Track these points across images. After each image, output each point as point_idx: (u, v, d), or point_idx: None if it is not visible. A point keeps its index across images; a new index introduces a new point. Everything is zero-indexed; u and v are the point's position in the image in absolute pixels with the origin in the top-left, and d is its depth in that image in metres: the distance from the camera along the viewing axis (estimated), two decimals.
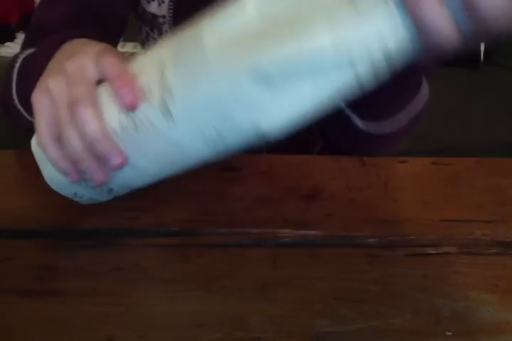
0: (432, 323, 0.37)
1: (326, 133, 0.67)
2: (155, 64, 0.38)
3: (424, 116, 0.61)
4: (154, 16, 0.69)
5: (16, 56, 0.58)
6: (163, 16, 0.68)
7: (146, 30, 0.73)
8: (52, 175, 0.45)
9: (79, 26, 0.65)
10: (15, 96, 0.56)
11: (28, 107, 0.54)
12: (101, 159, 0.40)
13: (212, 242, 0.46)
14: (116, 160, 0.39)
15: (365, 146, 0.62)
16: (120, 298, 0.39)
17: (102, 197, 0.46)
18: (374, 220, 0.49)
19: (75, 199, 0.47)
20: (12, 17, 2.03)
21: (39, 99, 0.42)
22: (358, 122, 0.57)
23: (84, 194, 0.46)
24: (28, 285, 0.40)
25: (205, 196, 0.51)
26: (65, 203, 0.51)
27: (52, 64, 0.45)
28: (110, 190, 0.45)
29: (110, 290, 0.40)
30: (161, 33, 0.71)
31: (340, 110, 0.56)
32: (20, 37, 2.01)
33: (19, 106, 0.56)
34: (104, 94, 0.40)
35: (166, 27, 0.69)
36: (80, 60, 0.41)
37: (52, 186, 0.46)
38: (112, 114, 0.39)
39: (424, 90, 0.57)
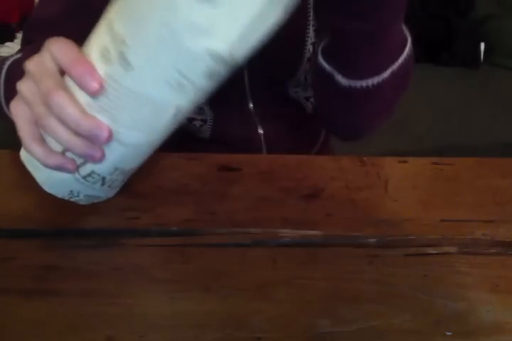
0: (432, 323, 0.37)
1: (316, 105, 0.66)
2: (104, 26, 0.39)
3: (411, 72, 0.58)
4: None
5: (5, 60, 0.59)
6: None
7: None
8: (45, 177, 0.45)
9: (76, 21, 0.65)
10: (2, 99, 0.58)
11: None
12: (89, 138, 0.40)
13: (212, 242, 0.46)
14: (103, 134, 0.39)
15: (352, 109, 0.59)
16: (120, 298, 0.39)
17: (98, 191, 0.46)
18: (374, 220, 0.49)
19: (72, 199, 0.47)
20: (12, 17, 2.02)
21: (16, 107, 0.43)
22: (341, 79, 0.55)
23: (79, 190, 0.46)
24: (28, 285, 0.40)
25: (205, 196, 0.51)
26: (65, 203, 0.51)
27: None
28: (103, 180, 0.45)
29: (110, 290, 0.40)
30: None
31: (323, 69, 0.54)
32: (20, 37, 2.01)
33: (6, 110, 0.58)
34: (70, 81, 0.40)
35: None
36: (39, 56, 0.42)
37: (47, 189, 0.46)
38: (83, 95, 0.39)
39: (408, 45, 0.55)
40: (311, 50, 0.71)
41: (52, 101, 0.39)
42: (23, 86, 0.42)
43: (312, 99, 0.77)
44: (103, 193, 0.47)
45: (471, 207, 0.51)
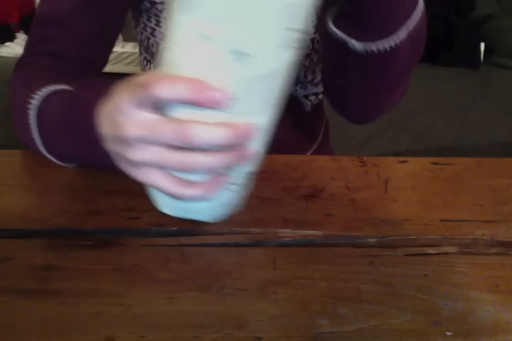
0: (432, 323, 0.37)
1: (325, 80, 0.65)
2: (191, 38, 0.37)
3: (425, 36, 0.56)
4: (153, 3, 0.69)
5: (28, 97, 0.54)
6: (162, 2, 0.69)
7: (143, 22, 0.73)
8: (211, 209, 0.46)
9: (91, 16, 0.65)
10: (38, 140, 0.54)
11: (55, 152, 0.54)
12: (239, 144, 0.39)
13: (212, 242, 0.46)
14: (250, 132, 0.39)
15: (369, 80, 0.58)
16: (120, 298, 0.39)
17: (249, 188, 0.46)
18: (374, 220, 0.49)
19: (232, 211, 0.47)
20: (12, 17, 2.02)
21: (144, 174, 0.41)
22: (356, 45, 0.53)
23: (240, 198, 0.46)
24: (28, 285, 0.40)
25: None
26: (65, 203, 0.51)
27: (109, 143, 0.43)
28: (253, 174, 0.45)
29: (110, 290, 0.40)
30: (159, 22, 0.71)
31: (336, 38, 0.54)
32: (20, 37, 2.01)
33: (42, 150, 0.55)
34: (184, 109, 0.39)
35: (165, 13, 0.69)
36: (128, 117, 0.39)
37: (216, 218, 0.47)
38: (208, 112, 0.38)
39: (420, 5, 0.54)
40: (310, 46, 0.71)
41: (188, 138, 0.37)
42: (137, 154, 0.40)
43: (311, 97, 0.77)
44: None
45: (471, 207, 0.51)
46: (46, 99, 0.53)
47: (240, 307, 0.38)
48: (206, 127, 0.38)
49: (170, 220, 0.48)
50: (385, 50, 0.53)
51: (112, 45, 0.71)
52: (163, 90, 0.37)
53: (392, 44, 0.53)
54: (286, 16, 0.37)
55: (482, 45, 1.87)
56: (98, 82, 0.50)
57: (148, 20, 0.72)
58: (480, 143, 1.73)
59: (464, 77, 1.82)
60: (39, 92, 0.54)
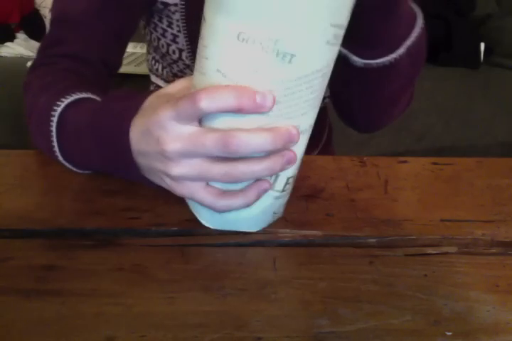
0: (432, 323, 0.37)
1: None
2: (230, 40, 0.36)
3: (425, 51, 0.58)
4: (166, 5, 0.69)
5: (58, 101, 0.53)
6: (175, 4, 0.68)
7: (153, 22, 0.73)
8: (254, 219, 0.45)
9: (109, 16, 0.65)
10: (58, 152, 0.54)
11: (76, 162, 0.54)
12: (284, 148, 0.39)
13: (212, 242, 0.46)
14: (295, 136, 0.38)
15: (370, 92, 0.59)
16: (120, 298, 0.39)
17: (289, 193, 0.46)
18: (374, 220, 0.49)
19: (275, 218, 0.47)
20: (12, 17, 2.02)
21: (183, 189, 0.41)
22: (356, 60, 0.54)
23: (279, 205, 0.45)
24: (28, 285, 0.40)
25: None
26: (65, 203, 0.51)
27: (145, 159, 0.43)
28: (294, 178, 0.44)
29: (110, 290, 0.40)
30: (170, 23, 0.71)
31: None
32: (20, 37, 2.01)
33: (62, 160, 0.54)
34: (228, 118, 0.38)
35: (177, 15, 0.69)
36: (170, 134, 0.39)
37: (256, 228, 0.46)
38: (251, 117, 0.38)
39: (420, 21, 0.55)
40: None
41: (232, 147, 0.37)
42: (179, 169, 0.40)
43: None
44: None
45: (471, 207, 0.51)
46: (70, 106, 0.53)
47: (240, 307, 0.38)
48: (250, 134, 0.37)
49: (170, 220, 0.48)
50: (384, 65, 0.54)
51: (126, 47, 0.71)
52: (210, 104, 0.37)
53: (392, 59, 0.54)
54: (330, 12, 0.36)
55: (482, 45, 1.87)
56: (126, 93, 0.49)
57: (160, 21, 0.72)
58: (480, 144, 1.73)
59: (464, 77, 1.82)
60: (64, 99, 0.53)
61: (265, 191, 0.41)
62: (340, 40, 0.39)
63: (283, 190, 0.44)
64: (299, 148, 0.41)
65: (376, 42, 0.53)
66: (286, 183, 0.43)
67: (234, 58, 0.37)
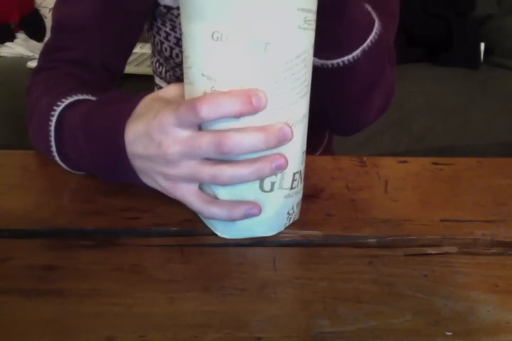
0: (432, 323, 0.37)
1: None
2: (201, 35, 0.37)
3: (385, 54, 0.60)
4: (169, 9, 0.69)
5: (58, 101, 0.54)
6: (178, 8, 0.69)
7: (157, 26, 0.73)
8: (265, 223, 0.45)
9: (111, 23, 0.65)
10: (56, 153, 0.54)
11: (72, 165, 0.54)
12: (279, 145, 0.40)
13: (212, 242, 0.46)
14: (288, 132, 0.39)
15: (334, 91, 0.60)
16: (120, 298, 0.39)
17: (301, 190, 0.46)
18: (374, 220, 0.49)
19: (291, 219, 0.46)
20: (12, 17, 2.02)
21: (176, 188, 0.43)
22: (314, 60, 0.56)
23: (293, 204, 0.45)
24: (28, 285, 0.40)
25: None
26: (65, 203, 0.51)
27: (143, 161, 0.44)
28: (300, 173, 0.44)
29: (110, 290, 0.40)
30: (174, 27, 0.71)
31: None
32: (20, 37, 2.01)
33: (58, 160, 0.55)
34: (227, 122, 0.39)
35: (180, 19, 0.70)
36: (169, 138, 0.40)
37: (273, 232, 0.46)
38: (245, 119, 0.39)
39: (376, 25, 0.57)
40: None
41: (226, 148, 0.38)
42: (176, 170, 0.41)
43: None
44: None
45: (471, 207, 0.51)
46: (70, 107, 0.53)
47: (240, 307, 0.38)
48: (242, 135, 0.38)
49: (170, 220, 0.48)
50: (339, 66, 0.56)
51: (131, 51, 0.71)
52: (210, 113, 0.38)
53: (346, 61, 0.56)
54: None
55: (482, 45, 1.87)
56: (119, 94, 0.50)
57: (163, 24, 0.72)
58: (479, 143, 1.73)
59: (464, 77, 1.82)
60: (64, 100, 0.54)
61: (253, 215, 0.42)
62: (313, 25, 0.39)
63: (292, 188, 0.43)
64: (297, 139, 0.42)
65: (331, 44, 0.55)
66: (293, 179, 0.43)
67: (213, 58, 0.38)
